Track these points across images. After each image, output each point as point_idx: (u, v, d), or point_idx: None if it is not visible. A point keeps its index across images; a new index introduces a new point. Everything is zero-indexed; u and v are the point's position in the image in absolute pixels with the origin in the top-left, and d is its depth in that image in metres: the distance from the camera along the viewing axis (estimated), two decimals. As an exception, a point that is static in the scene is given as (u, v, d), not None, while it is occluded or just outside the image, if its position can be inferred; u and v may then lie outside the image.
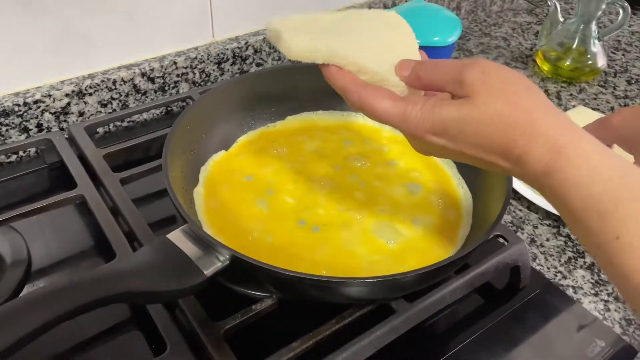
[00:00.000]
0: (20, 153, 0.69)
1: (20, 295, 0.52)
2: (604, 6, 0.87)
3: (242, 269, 0.45)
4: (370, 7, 0.92)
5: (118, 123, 0.74)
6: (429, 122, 0.38)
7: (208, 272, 0.43)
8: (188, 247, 0.45)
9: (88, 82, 0.69)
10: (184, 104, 0.79)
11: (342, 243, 0.52)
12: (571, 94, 0.91)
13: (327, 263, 0.50)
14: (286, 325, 0.50)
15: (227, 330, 0.46)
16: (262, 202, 0.56)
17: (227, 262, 0.44)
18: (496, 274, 0.54)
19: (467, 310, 0.55)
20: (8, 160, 0.68)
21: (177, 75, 0.76)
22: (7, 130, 0.66)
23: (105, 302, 0.38)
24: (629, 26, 1.13)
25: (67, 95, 0.68)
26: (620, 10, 0.87)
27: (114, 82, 0.71)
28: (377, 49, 0.43)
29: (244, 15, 0.80)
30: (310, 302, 0.50)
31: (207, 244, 0.45)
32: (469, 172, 0.60)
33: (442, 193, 0.59)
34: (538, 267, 0.60)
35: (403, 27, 0.47)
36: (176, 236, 0.46)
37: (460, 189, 0.60)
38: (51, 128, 0.70)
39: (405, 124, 0.39)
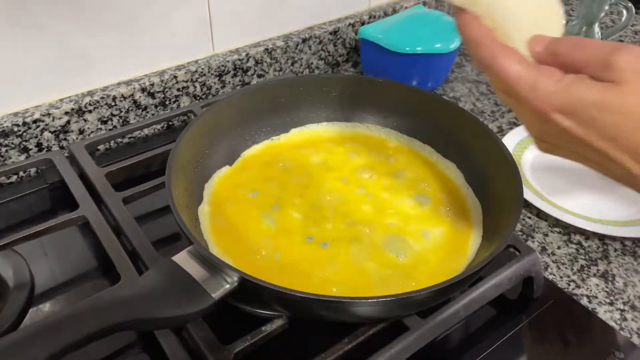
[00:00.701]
0: (20, 173, 0.68)
1: (24, 321, 0.51)
2: (607, 7, 0.86)
3: (251, 291, 0.44)
4: (370, 15, 0.92)
5: (119, 139, 0.73)
6: (563, 98, 0.34)
7: (216, 295, 0.42)
8: (195, 269, 0.44)
9: (87, 99, 0.68)
10: (185, 117, 0.78)
11: (351, 259, 0.51)
12: (576, 97, 0.90)
13: (336, 280, 0.49)
14: (297, 346, 0.49)
15: (237, 354, 0.44)
16: (268, 218, 0.55)
17: (236, 284, 0.43)
18: (509, 285, 0.53)
19: (480, 322, 0.54)
20: (8, 181, 0.67)
21: (178, 90, 0.76)
22: (6, 150, 0.65)
23: (111, 331, 0.37)
24: (632, 25, 1.12)
25: (66, 113, 0.67)
26: (624, 11, 0.86)
27: (114, 98, 0.70)
28: (521, 13, 0.40)
29: (243, 27, 0.80)
30: (321, 321, 0.48)
31: (214, 266, 0.43)
32: (478, 181, 0.59)
33: (450, 204, 0.58)
34: (550, 277, 0.59)
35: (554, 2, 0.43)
36: (182, 258, 0.45)
37: (469, 199, 0.59)
38: (51, 147, 0.69)
39: (534, 94, 0.35)
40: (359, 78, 0.67)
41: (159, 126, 0.76)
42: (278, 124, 0.66)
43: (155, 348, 0.48)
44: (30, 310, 0.53)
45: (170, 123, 0.77)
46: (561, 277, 0.59)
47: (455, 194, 0.59)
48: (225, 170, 0.60)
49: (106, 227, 0.55)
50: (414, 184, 0.60)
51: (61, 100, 0.68)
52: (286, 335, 0.47)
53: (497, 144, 0.56)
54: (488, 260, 0.45)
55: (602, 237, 0.64)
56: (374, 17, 0.92)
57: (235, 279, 0.43)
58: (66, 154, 0.66)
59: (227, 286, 0.43)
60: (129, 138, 0.75)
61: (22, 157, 0.67)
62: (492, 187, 0.56)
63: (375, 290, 0.48)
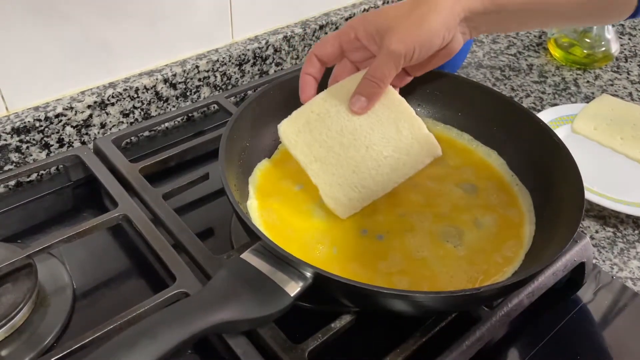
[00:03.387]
0: (41, 171, 0.64)
1: (70, 325, 0.49)
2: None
3: (324, 287, 0.42)
4: (384, 1, 0.90)
5: (140, 133, 0.70)
6: None
7: (293, 293, 0.41)
8: (265, 268, 0.42)
9: (110, 91, 0.65)
10: (205, 109, 0.75)
11: (410, 251, 0.50)
12: (588, 81, 0.91)
13: (400, 272, 0.48)
14: (365, 341, 0.48)
15: (311, 352, 0.43)
16: (318, 212, 0.54)
17: (310, 281, 0.42)
18: (564, 272, 0.53)
19: (531, 310, 0.54)
20: (28, 180, 0.64)
21: (199, 80, 0.73)
22: (27, 147, 0.62)
23: (203, 335, 0.35)
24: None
25: (89, 106, 0.64)
26: (635, -5, 0.87)
27: (136, 90, 0.67)
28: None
29: (262, 13, 0.77)
30: (388, 315, 0.48)
31: (286, 263, 0.42)
32: (523, 168, 0.59)
33: (497, 191, 0.58)
34: (594, 261, 0.60)
35: None
36: (249, 256, 0.43)
37: (514, 186, 0.58)
38: (72, 143, 0.65)
39: None
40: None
41: (179, 118, 0.74)
42: (311, 114, 0.64)
43: (204, 348, 0.46)
44: (75, 313, 0.50)
45: (190, 115, 0.75)
46: (604, 261, 0.60)
47: (500, 181, 0.59)
48: (266, 162, 0.59)
49: (150, 225, 0.53)
50: (457, 172, 0.59)
51: (83, 92, 0.65)
52: (353, 332, 0.46)
53: (545, 129, 0.56)
54: (562, 252, 0.44)
55: (636, 220, 0.65)
56: (388, 3, 0.91)
57: (309, 275, 0.42)
58: (92, 149, 0.63)
59: (301, 283, 0.42)
60: (150, 131, 0.72)
61: (43, 154, 0.64)
62: (541, 173, 0.56)
63: (441, 282, 0.47)
